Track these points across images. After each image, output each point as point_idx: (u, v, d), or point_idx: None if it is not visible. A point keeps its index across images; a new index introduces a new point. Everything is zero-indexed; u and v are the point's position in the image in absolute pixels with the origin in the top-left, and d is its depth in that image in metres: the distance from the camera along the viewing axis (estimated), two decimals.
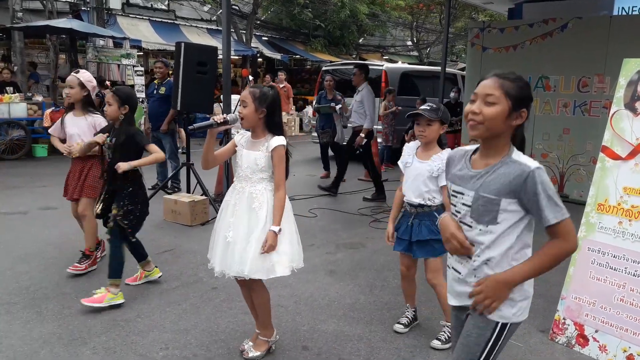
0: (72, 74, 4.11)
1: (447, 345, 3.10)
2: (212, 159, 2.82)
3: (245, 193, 2.75)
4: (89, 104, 4.13)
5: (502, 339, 1.78)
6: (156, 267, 4.03)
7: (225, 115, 2.72)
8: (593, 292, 3.12)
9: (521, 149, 1.79)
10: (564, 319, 3.23)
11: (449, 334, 3.13)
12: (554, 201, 1.67)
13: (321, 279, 4.19)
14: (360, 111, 7.06)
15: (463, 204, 1.81)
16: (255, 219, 2.71)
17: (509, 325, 1.77)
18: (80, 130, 4.05)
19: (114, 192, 3.61)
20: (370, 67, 11.25)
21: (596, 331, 3.08)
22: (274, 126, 2.77)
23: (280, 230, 2.67)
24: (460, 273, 1.84)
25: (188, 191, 6.34)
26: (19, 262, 4.31)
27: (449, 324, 3.17)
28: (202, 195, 5.98)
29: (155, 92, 6.95)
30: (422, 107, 3.04)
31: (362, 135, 6.93)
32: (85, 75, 4.09)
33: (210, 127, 2.69)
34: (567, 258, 1.73)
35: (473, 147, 1.87)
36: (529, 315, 1.84)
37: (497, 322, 1.76)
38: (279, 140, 2.72)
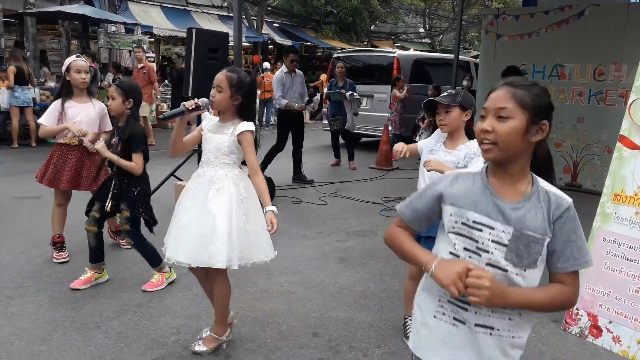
0: (77, 59, 3.96)
1: None
2: (181, 147, 2.73)
3: (206, 177, 2.65)
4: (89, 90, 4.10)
5: None
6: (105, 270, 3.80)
7: (196, 100, 2.61)
8: (607, 282, 3.08)
9: (548, 169, 1.52)
10: (577, 309, 3.20)
11: None
12: (582, 243, 1.43)
13: (332, 267, 4.19)
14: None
15: (494, 242, 1.43)
16: (207, 204, 2.60)
17: None
18: (89, 117, 3.94)
19: (122, 192, 3.49)
20: (382, 54, 11.25)
21: (610, 322, 3.05)
22: (247, 113, 2.66)
23: (275, 209, 2.53)
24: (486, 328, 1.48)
25: None
26: (32, 246, 4.35)
27: None
28: None
29: None
30: (442, 94, 2.83)
31: None
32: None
33: (182, 114, 2.61)
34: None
35: (478, 169, 1.53)
36: None
37: None
38: (247, 125, 2.60)
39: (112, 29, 12.63)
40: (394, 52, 10.77)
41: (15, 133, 9.08)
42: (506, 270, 1.43)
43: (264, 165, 6.77)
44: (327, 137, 9.53)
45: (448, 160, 2.82)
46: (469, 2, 21.65)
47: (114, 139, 3.52)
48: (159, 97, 10.44)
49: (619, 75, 6.78)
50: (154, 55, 13.18)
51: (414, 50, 18.87)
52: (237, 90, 2.59)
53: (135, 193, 3.48)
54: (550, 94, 1.49)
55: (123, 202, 3.48)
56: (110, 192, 3.46)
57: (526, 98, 1.41)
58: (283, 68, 7.19)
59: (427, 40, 27.58)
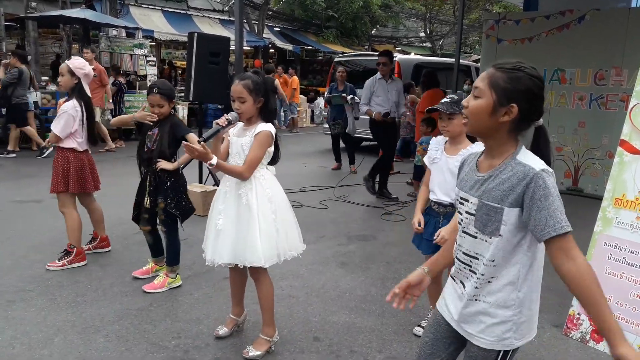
0: (65, 61, 4.01)
1: None
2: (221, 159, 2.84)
3: (233, 180, 2.75)
4: (78, 93, 4.01)
5: None
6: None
7: (226, 115, 2.69)
8: (609, 287, 3.07)
9: (541, 151, 1.55)
10: (578, 314, 3.19)
11: None
12: (554, 210, 1.41)
13: (332, 271, 4.18)
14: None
15: (467, 212, 1.60)
16: (243, 206, 2.70)
17: (511, 351, 1.61)
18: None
19: (157, 185, 3.61)
20: None
21: None
22: (269, 113, 2.77)
23: (211, 164, 2.56)
24: (464, 288, 1.65)
25: (200, 181, 6.36)
26: (33, 250, 4.35)
27: None
28: (214, 185, 5.99)
29: None
30: (443, 100, 2.83)
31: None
32: (76, 62, 3.95)
33: (218, 133, 2.70)
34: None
35: (482, 148, 1.68)
36: (543, 310, 1.74)
37: (500, 351, 1.60)
38: (265, 126, 2.69)
39: (114, 33, 12.64)
40: (395, 57, 10.77)
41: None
42: (475, 237, 1.58)
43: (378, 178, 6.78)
44: (328, 141, 9.53)
45: (451, 163, 2.85)
46: (469, 6, 21.69)
47: (151, 131, 3.63)
48: (110, 100, 9.77)
49: (620, 80, 6.79)
50: (155, 59, 13.18)
51: (415, 54, 18.90)
52: (257, 93, 2.70)
53: (169, 184, 3.60)
54: (542, 80, 1.52)
55: (159, 195, 3.60)
56: (147, 189, 3.63)
57: (499, 81, 1.49)
58: (377, 74, 6.76)
59: (428, 45, 27.63)
